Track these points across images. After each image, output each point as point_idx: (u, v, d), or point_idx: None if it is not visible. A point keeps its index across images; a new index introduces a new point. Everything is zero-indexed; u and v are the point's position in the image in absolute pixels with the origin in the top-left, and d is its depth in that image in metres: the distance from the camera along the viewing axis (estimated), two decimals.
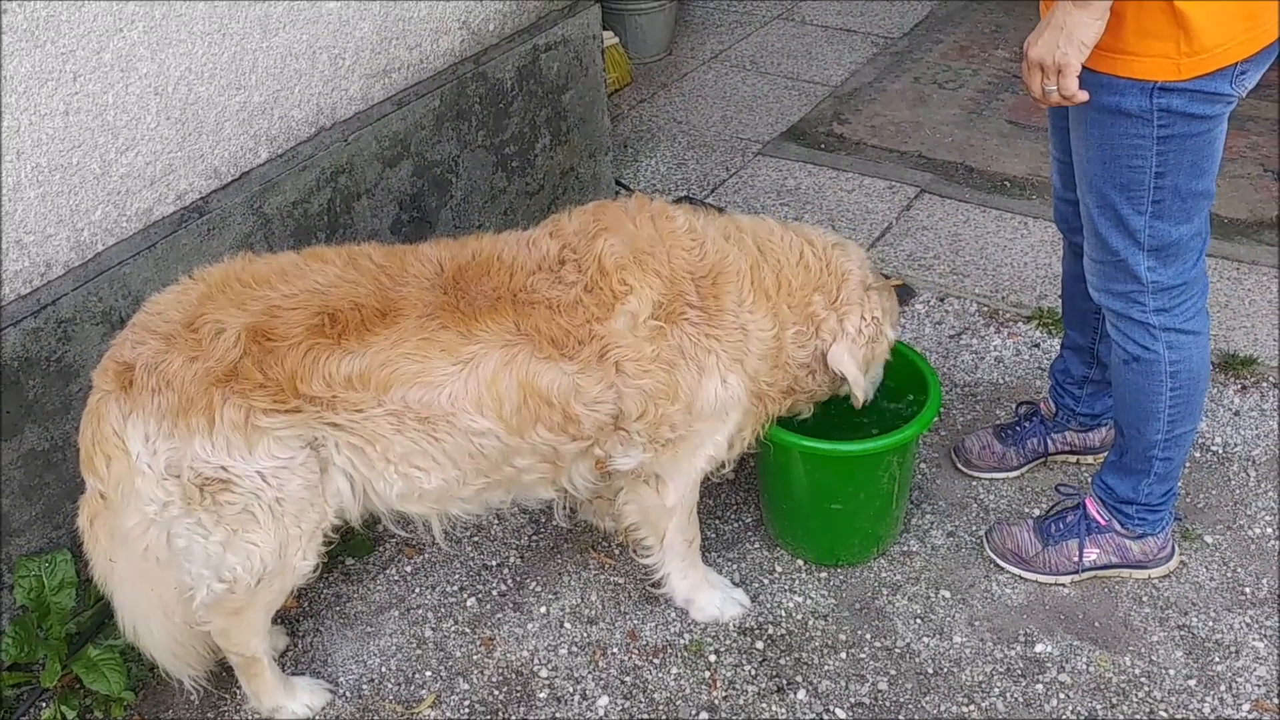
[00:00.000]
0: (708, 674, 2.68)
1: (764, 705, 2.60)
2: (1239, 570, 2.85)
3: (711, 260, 2.43)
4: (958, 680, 2.64)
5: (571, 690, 2.66)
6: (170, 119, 2.74)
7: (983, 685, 2.63)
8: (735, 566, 2.95)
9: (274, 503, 2.23)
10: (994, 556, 2.89)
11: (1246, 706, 2.55)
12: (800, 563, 2.94)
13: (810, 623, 2.79)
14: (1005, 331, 3.66)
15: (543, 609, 2.86)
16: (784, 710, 2.59)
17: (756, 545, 3.00)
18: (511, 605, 2.88)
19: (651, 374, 2.35)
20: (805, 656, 2.71)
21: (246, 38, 2.86)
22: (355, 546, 2.99)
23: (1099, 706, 2.57)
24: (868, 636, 2.75)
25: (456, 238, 2.50)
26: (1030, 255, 4.01)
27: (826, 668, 2.68)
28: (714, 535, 3.03)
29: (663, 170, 4.65)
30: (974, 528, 3.01)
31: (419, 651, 2.77)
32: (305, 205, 3.09)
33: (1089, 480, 2.92)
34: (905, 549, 2.97)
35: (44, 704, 2.62)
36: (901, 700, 2.61)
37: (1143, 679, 2.62)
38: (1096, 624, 2.74)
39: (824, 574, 2.91)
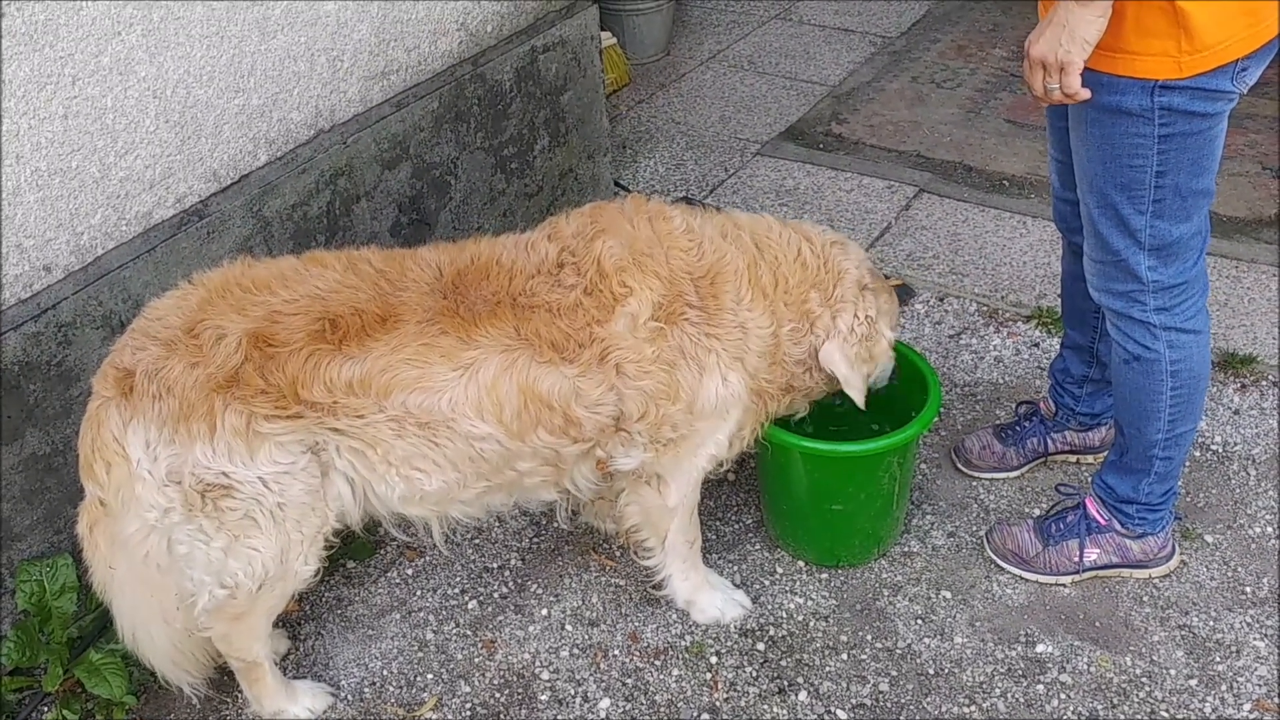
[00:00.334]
0: (709, 676, 2.68)
1: (765, 707, 2.60)
2: (1239, 569, 2.85)
3: (710, 260, 2.43)
4: (959, 681, 2.64)
5: (573, 692, 2.66)
6: (169, 122, 2.74)
7: (984, 686, 2.63)
8: (736, 568, 2.95)
9: (275, 508, 2.23)
10: (994, 557, 2.90)
11: (1248, 706, 2.56)
12: (801, 564, 2.94)
13: (811, 624, 2.79)
14: (1005, 331, 3.67)
15: (544, 611, 2.86)
16: (785, 711, 2.59)
17: (757, 546, 3.00)
18: (513, 608, 2.88)
19: (652, 375, 2.35)
20: (806, 658, 2.71)
21: (245, 40, 2.86)
22: (356, 549, 2.98)
23: (1100, 707, 2.57)
24: (869, 637, 2.75)
25: (455, 240, 2.50)
26: (1029, 254, 4.01)
27: (828, 669, 2.68)
28: (715, 537, 3.03)
29: (661, 171, 4.65)
30: (974, 528, 3.01)
31: (420, 654, 2.77)
32: (305, 208, 3.09)
33: (1089, 480, 2.92)
34: (906, 549, 2.97)
35: (46, 708, 2.62)
36: (903, 701, 2.61)
37: (1144, 679, 2.62)
38: (1097, 624, 2.75)
39: (825, 575, 2.91)
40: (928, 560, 2.94)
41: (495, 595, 2.91)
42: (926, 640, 2.73)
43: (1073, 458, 3.15)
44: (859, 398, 2.61)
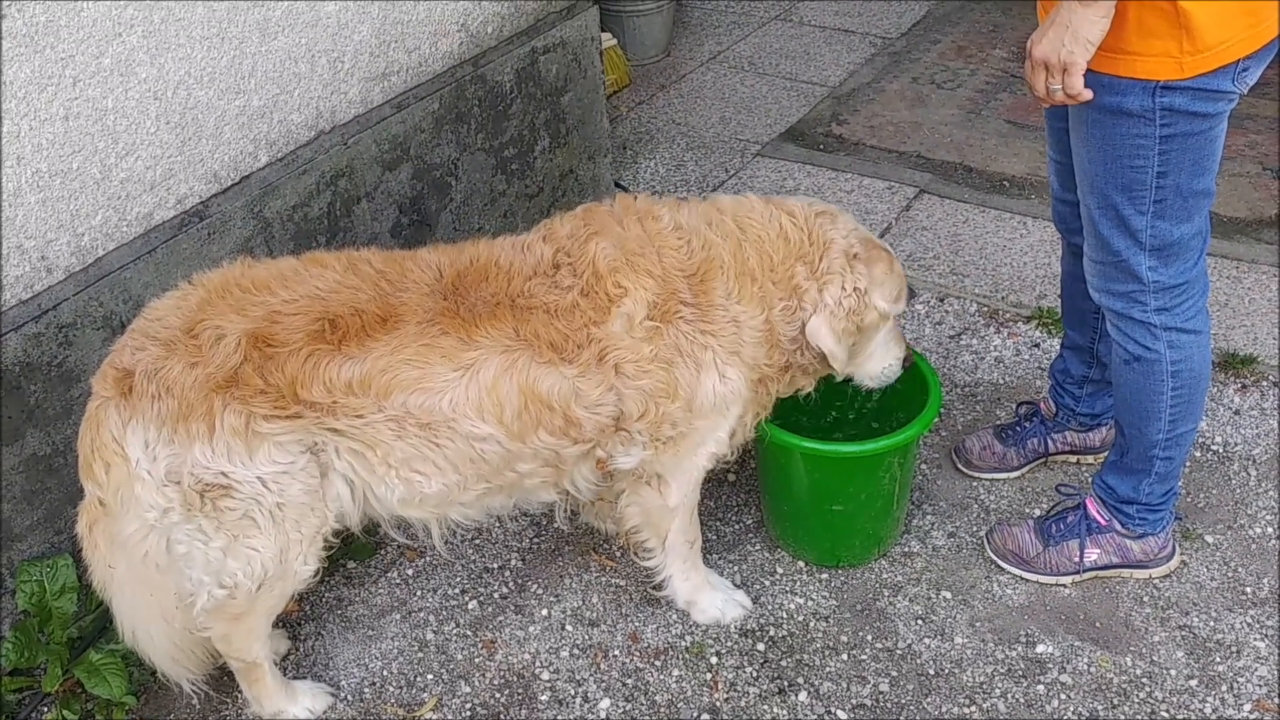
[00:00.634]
0: (709, 676, 2.68)
1: (765, 707, 2.60)
2: (1240, 570, 2.85)
3: (699, 256, 2.41)
4: (959, 681, 2.64)
5: (573, 693, 2.66)
6: (170, 123, 2.74)
7: (984, 686, 2.63)
8: (736, 568, 2.95)
9: (275, 508, 2.23)
10: (995, 557, 2.89)
11: (1248, 707, 2.55)
12: (801, 564, 2.94)
13: (811, 624, 2.79)
14: (1005, 331, 3.67)
15: (544, 611, 2.86)
16: (785, 712, 2.59)
17: (757, 547, 3.00)
18: (513, 608, 2.88)
19: (651, 374, 2.35)
20: (806, 658, 2.71)
21: (245, 42, 2.86)
22: (356, 550, 2.99)
23: (1100, 707, 2.57)
24: (869, 638, 2.75)
25: (456, 241, 2.50)
26: (1030, 255, 4.01)
27: (828, 669, 2.68)
28: (715, 537, 3.03)
29: (662, 172, 4.65)
30: (975, 528, 3.01)
31: (420, 654, 2.77)
32: (305, 209, 3.09)
33: (1089, 480, 2.92)
34: (906, 550, 2.97)
35: (45, 709, 2.62)
36: (903, 701, 2.61)
37: (1144, 679, 2.62)
38: (1097, 624, 2.75)
39: (825, 575, 2.91)
40: (928, 560, 2.94)
41: (495, 595, 2.91)
42: (927, 640, 2.73)
43: (1073, 458, 3.15)
44: (839, 366, 2.55)
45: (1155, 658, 2.67)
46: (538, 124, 3.81)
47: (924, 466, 3.19)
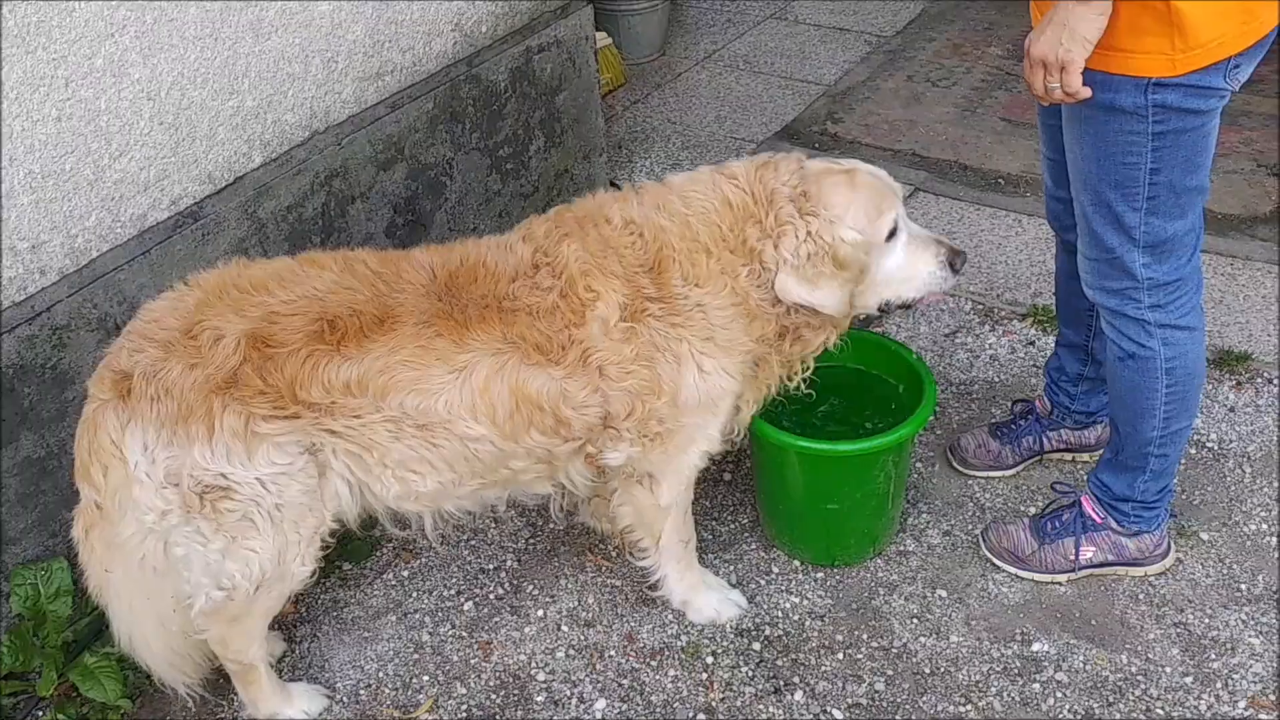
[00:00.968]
0: (705, 676, 2.68)
1: (761, 706, 2.60)
2: (1235, 567, 2.85)
3: (653, 247, 2.38)
4: (955, 680, 2.64)
5: (569, 693, 2.66)
6: (163, 124, 2.74)
7: (980, 685, 2.63)
8: (732, 567, 2.95)
9: (273, 509, 2.23)
10: (990, 555, 2.90)
11: (1243, 703, 2.56)
12: (797, 563, 2.94)
13: (807, 623, 2.79)
14: (1000, 329, 3.67)
15: (540, 612, 2.86)
16: (781, 711, 2.59)
17: (753, 546, 3.00)
18: (508, 609, 2.87)
19: (635, 374, 2.35)
20: (802, 657, 2.71)
21: (239, 42, 2.85)
22: (352, 551, 2.98)
23: (1096, 705, 2.57)
24: (864, 637, 2.75)
25: (449, 242, 2.50)
26: (1025, 253, 4.01)
27: (823, 668, 2.68)
28: (710, 536, 3.03)
29: (657, 171, 4.64)
30: (970, 527, 3.01)
31: (416, 656, 2.77)
32: (300, 209, 3.09)
33: (1085, 478, 2.92)
34: (901, 548, 2.97)
35: (41, 713, 2.62)
36: (899, 700, 2.61)
37: (1139, 677, 2.63)
38: (1093, 622, 2.75)
39: (821, 574, 2.91)
40: (923, 559, 2.94)
41: (491, 596, 2.91)
42: (922, 639, 2.74)
43: (1068, 456, 3.15)
44: (835, 312, 2.42)
45: (1151, 655, 2.67)
46: (532, 123, 3.81)
47: (919, 465, 3.19)
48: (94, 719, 2.60)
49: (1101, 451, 2.87)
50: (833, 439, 2.78)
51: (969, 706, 2.58)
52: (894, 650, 2.72)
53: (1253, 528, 2.95)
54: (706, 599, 2.79)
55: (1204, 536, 2.93)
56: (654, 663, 2.72)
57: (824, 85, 5.22)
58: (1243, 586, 2.81)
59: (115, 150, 2.65)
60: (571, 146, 4.01)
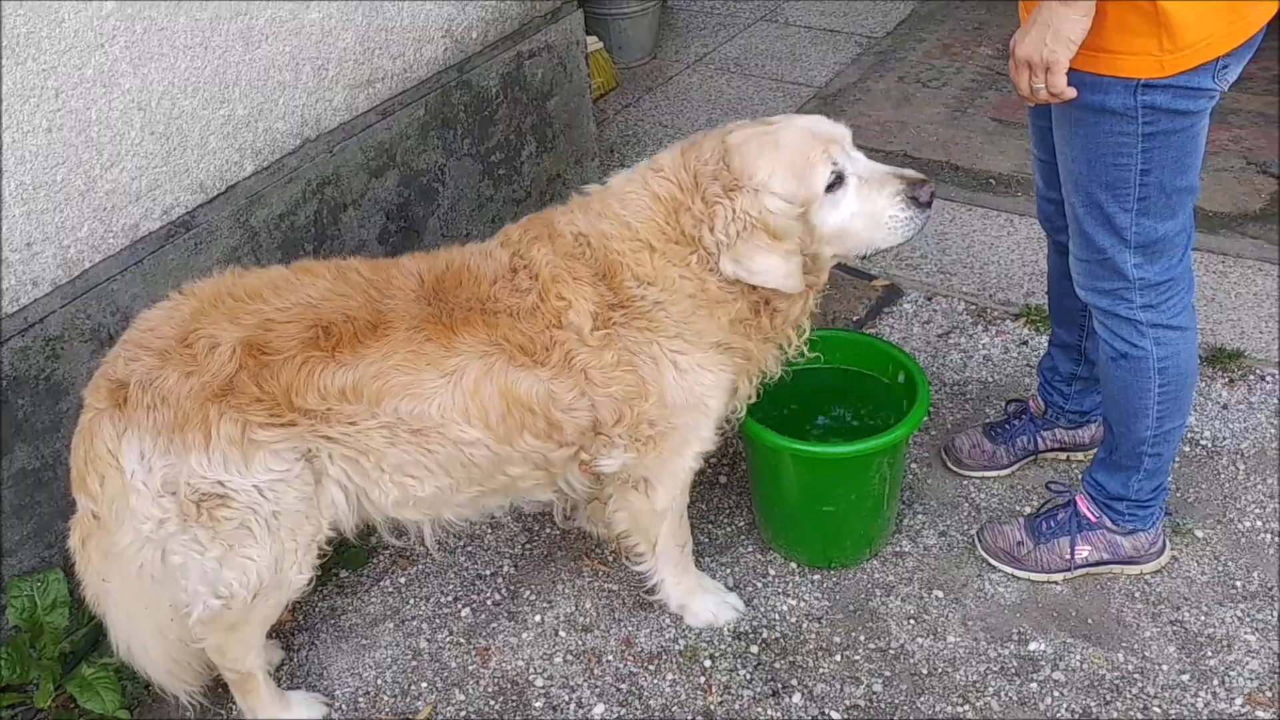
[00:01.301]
0: (703, 679, 2.68)
1: (759, 709, 2.61)
2: (1230, 564, 2.86)
3: (601, 254, 2.37)
4: (952, 680, 2.65)
5: (567, 699, 2.66)
6: (154, 134, 2.74)
7: (977, 685, 2.64)
8: (729, 571, 2.95)
9: (270, 516, 2.23)
10: (986, 555, 2.90)
11: (1239, 701, 2.56)
12: (793, 565, 2.94)
13: (804, 625, 2.79)
14: (993, 329, 3.67)
15: (537, 618, 2.86)
16: (779, 714, 2.59)
17: (749, 549, 3.01)
18: (506, 614, 2.87)
19: (618, 379, 2.35)
20: (800, 660, 2.71)
21: (229, 51, 2.85)
22: (349, 559, 2.98)
23: (1093, 704, 2.57)
24: (862, 638, 2.75)
25: (440, 248, 2.50)
26: (1017, 253, 4.02)
27: (821, 670, 2.68)
28: (707, 540, 3.03)
29: None
30: (965, 527, 3.01)
31: (414, 663, 2.77)
32: (292, 217, 3.09)
33: (1079, 477, 2.93)
34: (897, 550, 2.97)
35: None
36: (896, 701, 2.61)
37: (1136, 675, 2.63)
38: (1089, 621, 2.75)
39: (817, 576, 2.91)
40: (919, 560, 2.94)
41: (488, 602, 2.91)
42: (919, 640, 2.74)
43: (1063, 455, 3.16)
44: (785, 284, 2.32)
45: (1147, 653, 2.68)
46: (524, 129, 3.81)
47: (914, 466, 3.20)
48: None
49: (1096, 450, 2.87)
50: (827, 441, 2.78)
51: (966, 706, 2.59)
52: (891, 651, 2.72)
53: (1247, 524, 2.96)
54: (704, 602, 2.79)
55: (1199, 534, 2.94)
56: (652, 667, 2.72)
57: (815, 87, 5.23)
58: (1238, 583, 2.82)
59: (106, 160, 2.65)
60: (563, 151, 4.01)
